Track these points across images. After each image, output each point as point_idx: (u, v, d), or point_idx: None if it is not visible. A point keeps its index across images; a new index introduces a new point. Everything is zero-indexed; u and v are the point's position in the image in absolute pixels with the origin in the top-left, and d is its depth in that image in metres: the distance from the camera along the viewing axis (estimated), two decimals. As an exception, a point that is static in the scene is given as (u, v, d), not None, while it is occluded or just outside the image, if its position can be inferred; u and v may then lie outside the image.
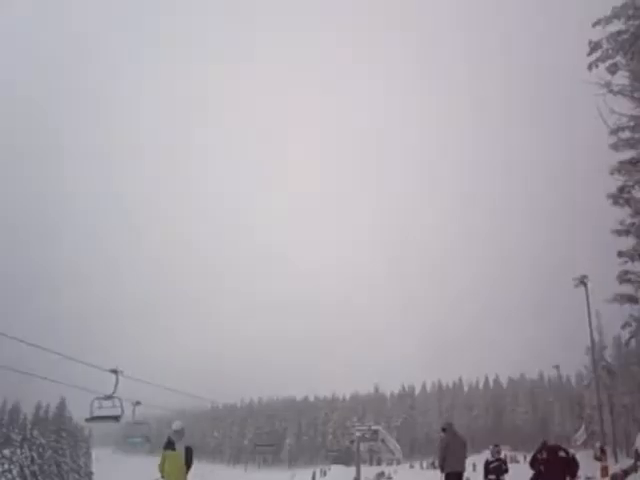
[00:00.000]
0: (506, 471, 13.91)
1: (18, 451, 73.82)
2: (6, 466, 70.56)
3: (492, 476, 13.58)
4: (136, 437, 13.90)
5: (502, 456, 14.35)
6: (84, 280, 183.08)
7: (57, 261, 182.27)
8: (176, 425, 11.61)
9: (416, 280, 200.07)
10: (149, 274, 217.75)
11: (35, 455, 75.52)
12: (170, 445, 11.28)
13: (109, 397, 11.42)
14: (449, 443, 12.63)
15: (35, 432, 78.81)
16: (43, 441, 79.69)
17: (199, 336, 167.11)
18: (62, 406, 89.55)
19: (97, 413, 11.53)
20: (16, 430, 77.87)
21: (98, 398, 11.44)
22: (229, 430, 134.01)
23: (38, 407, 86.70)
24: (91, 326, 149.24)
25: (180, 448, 11.31)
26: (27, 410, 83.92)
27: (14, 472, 70.64)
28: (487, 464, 13.89)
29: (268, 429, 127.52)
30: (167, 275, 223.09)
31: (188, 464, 11.26)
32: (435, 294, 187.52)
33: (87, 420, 11.80)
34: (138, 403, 21.00)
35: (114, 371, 11.38)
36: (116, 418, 11.47)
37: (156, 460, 12.18)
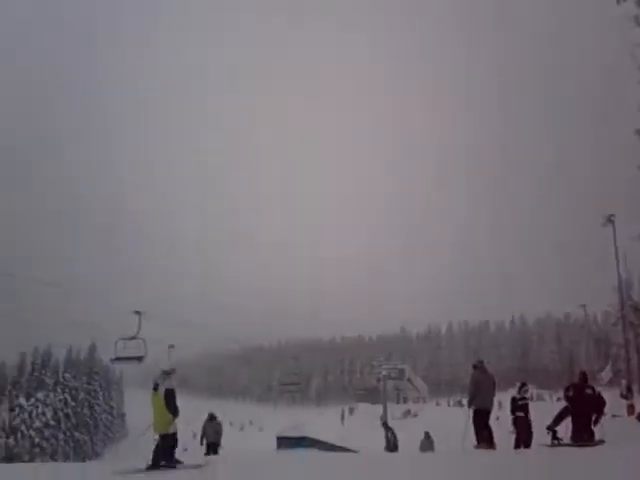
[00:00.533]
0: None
1: (51, 394, 75.48)
2: (40, 409, 72.28)
3: (520, 413, 13.37)
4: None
5: (528, 395, 14.29)
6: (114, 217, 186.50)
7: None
8: (165, 365, 11.35)
9: (443, 219, 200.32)
10: (186, 209, 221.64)
11: (68, 398, 77.03)
12: (155, 387, 10.99)
13: (133, 338, 11.35)
14: (479, 380, 12.62)
15: (67, 375, 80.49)
16: (75, 384, 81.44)
17: (231, 275, 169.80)
18: (93, 349, 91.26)
19: (121, 354, 11.45)
20: (48, 374, 79.29)
21: (123, 339, 11.36)
22: (258, 371, 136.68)
23: (70, 351, 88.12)
24: (118, 266, 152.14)
25: (162, 390, 10.92)
26: (59, 354, 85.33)
27: (48, 415, 72.30)
28: (514, 401, 13.75)
29: (296, 370, 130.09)
30: (201, 210, 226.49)
31: (169, 407, 10.70)
32: (461, 233, 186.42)
33: (111, 361, 11.91)
34: (172, 346, 21.21)
35: (137, 312, 11.37)
36: (139, 359, 11.37)
37: (185, 402, 12.21)
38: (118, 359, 11.53)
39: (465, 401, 13.98)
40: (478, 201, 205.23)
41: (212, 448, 14.44)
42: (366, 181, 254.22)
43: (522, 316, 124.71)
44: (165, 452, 10.75)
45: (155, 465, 10.63)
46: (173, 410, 10.64)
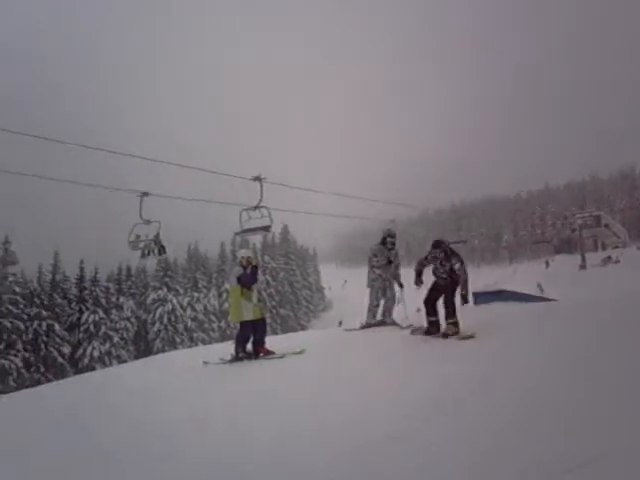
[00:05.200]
0: None
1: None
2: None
3: None
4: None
5: None
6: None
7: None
8: (238, 254, 11.12)
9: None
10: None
11: (269, 278, 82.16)
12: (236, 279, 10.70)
13: (256, 207, 10.50)
14: None
15: (266, 257, 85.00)
16: (274, 265, 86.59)
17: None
18: (285, 231, 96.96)
19: (247, 226, 10.71)
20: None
21: (245, 209, 10.60)
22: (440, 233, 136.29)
23: (265, 236, 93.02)
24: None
25: (234, 280, 10.70)
26: (256, 239, 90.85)
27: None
28: None
29: (484, 229, 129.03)
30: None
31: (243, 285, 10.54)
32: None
33: (237, 234, 11.05)
34: (393, 221, 21.04)
35: (257, 178, 10.39)
36: (266, 228, 10.65)
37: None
38: (244, 231, 10.78)
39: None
40: None
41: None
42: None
43: None
44: (239, 341, 10.62)
45: (237, 356, 10.48)
46: (245, 287, 10.51)
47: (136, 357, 49.68)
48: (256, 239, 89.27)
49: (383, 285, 12.05)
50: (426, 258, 9.99)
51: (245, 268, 10.70)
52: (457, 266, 9.62)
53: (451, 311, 9.63)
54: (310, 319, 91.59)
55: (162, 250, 10.68)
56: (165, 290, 64.54)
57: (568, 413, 4.75)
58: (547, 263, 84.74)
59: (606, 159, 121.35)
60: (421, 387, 6.30)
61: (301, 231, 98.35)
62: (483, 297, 15.45)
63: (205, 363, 10.52)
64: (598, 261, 68.64)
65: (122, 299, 60.40)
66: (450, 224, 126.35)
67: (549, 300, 15.57)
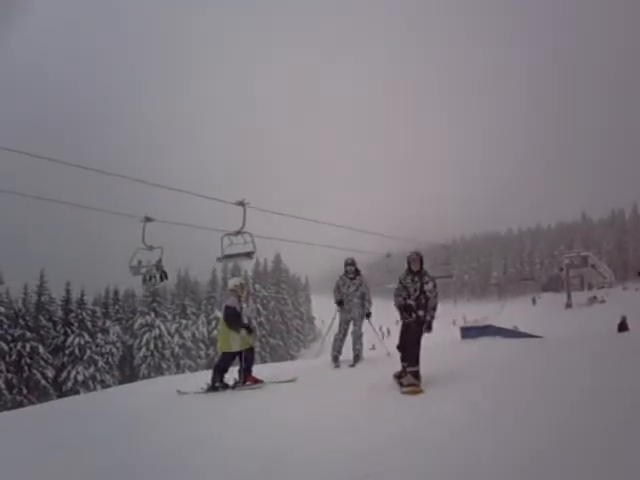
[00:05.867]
0: None
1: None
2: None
3: None
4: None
5: None
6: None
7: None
8: (230, 283, 10.98)
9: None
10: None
11: (260, 307, 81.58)
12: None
13: (238, 233, 10.23)
14: None
15: (257, 286, 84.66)
16: (266, 293, 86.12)
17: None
18: (278, 260, 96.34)
19: (228, 251, 10.43)
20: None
21: (227, 234, 10.31)
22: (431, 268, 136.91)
23: (257, 263, 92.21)
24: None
25: (223, 307, 10.64)
26: (248, 267, 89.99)
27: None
28: None
29: (475, 264, 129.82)
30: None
31: (227, 323, 10.30)
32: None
33: (218, 259, 10.66)
34: (389, 255, 20.31)
35: (241, 203, 10.08)
36: (249, 254, 10.37)
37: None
38: (226, 257, 10.53)
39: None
40: None
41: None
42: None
43: None
44: (217, 370, 10.37)
45: (213, 386, 10.22)
46: (232, 325, 10.24)
47: (120, 382, 49.26)
48: (248, 266, 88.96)
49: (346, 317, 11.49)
50: (401, 283, 8.62)
51: (240, 297, 10.61)
52: (429, 286, 8.45)
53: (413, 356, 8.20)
54: (300, 348, 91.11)
55: (164, 276, 10.63)
56: (153, 316, 64.00)
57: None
58: (534, 300, 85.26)
59: (597, 202, 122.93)
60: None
61: (294, 260, 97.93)
62: (470, 332, 15.63)
63: (180, 392, 10.38)
64: (584, 300, 69.25)
65: (108, 323, 59.98)
66: (441, 259, 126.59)
67: (535, 337, 15.77)
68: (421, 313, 8.29)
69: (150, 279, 10.61)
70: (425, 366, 8.16)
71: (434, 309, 8.38)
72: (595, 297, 70.23)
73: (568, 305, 68.91)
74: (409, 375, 8.01)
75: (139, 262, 10.58)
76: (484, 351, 11.28)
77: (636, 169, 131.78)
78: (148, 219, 10.20)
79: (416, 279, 8.46)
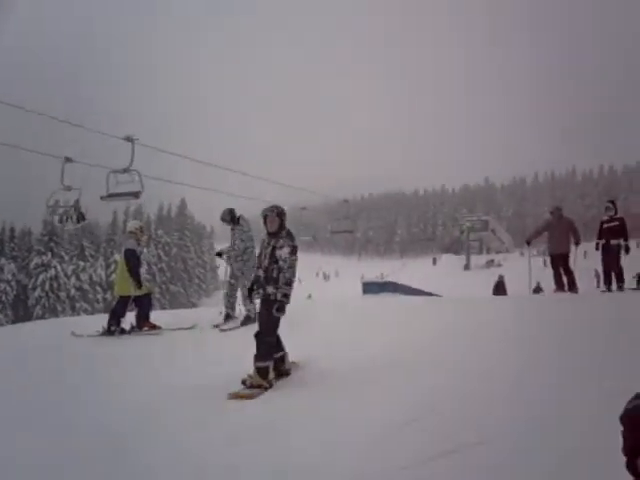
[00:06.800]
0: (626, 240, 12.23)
1: (145, 250, 78.90)
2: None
3: (614, 241, 12.06)
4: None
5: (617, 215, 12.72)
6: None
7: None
8: (129, 225, 10.91)
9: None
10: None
11: (162, 253, 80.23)
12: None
13: (125, 170, 9.49)
14: (552, 224, 12.36)
15: (160, 232, 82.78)
16: (168, 240, 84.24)
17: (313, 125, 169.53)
18: (183, 205, 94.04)
19: (113, 190, 9.70)
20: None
21: (114, 171, 9.57)
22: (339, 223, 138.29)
23: (160, 208, 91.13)
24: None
25: (122, 250, 10.61)
26: (150, 211, 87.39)
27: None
28: (601, 224, 12.70)
29: (380, 222, 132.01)
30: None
31: (128, 267, 10.12)
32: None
33: (102, 198, 9.89)
34: (304, 209, 19.96)
35: (128, 139, 9.35)
36: (135, 194, 9.66)
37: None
38: (110, 196, 9.75)
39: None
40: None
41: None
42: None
43: (611, 165, 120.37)
44: (114, 314, 10.16)
45: (108, 330, 10.02)
46: (132, 272, 10.07)
47: (14, 322, 47.37)
48: (151, 211, 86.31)
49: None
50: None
51: (139, 240, 10.44)
52: (282, 252, 6.42)
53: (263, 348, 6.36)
54: (201, 297, 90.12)
55: (81, 217, 10.14)
56: (49, 256, 61.67)
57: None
58: (434, 260, 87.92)
59: (501, 168, 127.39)
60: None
61: (199, 207, 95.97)
62: (371, 287, 15.82)
63: (74, 335, 10.13)
64: (482, 263, 72.10)
65: (3, 261, 57.44)
66: (342, 214, 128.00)
67: (434, 295, 16.20)
68: (270, 290, 6.37)
69: (67, 219, 10.13)
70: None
71: (288, 284, 6.37)
72: (492, 261, 73.25)
73: (466, 267, 71.67)
74: (254, 372, 6.24)
75: (56, 202, 10.10)
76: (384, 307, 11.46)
77: (540, 138, 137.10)
78: (68, 159, 9.63)
79: (271, 242, 6.57)
